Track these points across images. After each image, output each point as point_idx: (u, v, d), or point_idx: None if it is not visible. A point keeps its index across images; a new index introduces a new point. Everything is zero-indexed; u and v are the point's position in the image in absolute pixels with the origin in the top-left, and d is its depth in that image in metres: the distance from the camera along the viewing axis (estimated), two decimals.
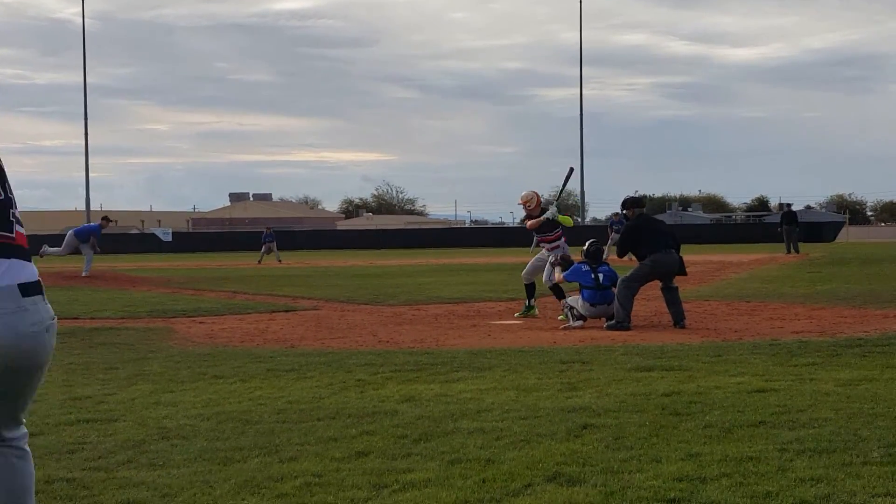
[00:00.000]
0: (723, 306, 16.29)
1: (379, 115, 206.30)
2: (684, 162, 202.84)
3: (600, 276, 13.86)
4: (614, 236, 34.39)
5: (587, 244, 14.42)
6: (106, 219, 29.54)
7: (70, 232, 29.08)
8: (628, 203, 14.28)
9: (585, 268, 14.02)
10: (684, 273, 14.01)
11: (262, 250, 43.73)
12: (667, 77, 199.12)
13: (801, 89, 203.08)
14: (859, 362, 9.52)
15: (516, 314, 15.55)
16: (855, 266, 29.18)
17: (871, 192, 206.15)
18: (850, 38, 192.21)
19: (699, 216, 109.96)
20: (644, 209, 14.46)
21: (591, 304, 13.68)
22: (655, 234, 13.81)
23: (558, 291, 14.74)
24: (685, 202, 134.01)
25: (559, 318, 14.36)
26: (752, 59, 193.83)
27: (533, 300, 15.52)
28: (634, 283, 13.59)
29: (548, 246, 15.12)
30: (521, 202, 15.34)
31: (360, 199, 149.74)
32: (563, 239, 15.14)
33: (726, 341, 11.51)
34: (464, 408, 7.54)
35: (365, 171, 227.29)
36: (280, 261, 41.74)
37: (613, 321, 13.29)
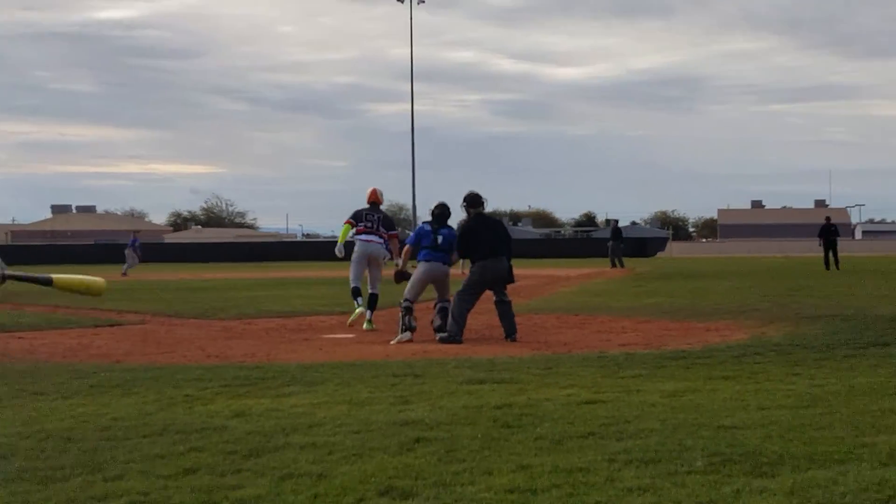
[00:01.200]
0: (552, 319, 16.54)
1: (207, 127, 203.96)
2: (514, 177, 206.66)
3: (439, 238, 14.03)
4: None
5: (434, 206, 14.48)
6: None
7: None
8: (469, 199, 13.88)
9: (428, 228, 14.18)
10: (512, 280, 13.89)
11: (133, 259, 42.11)
12: (496, 94, 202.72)
13: (626, 108, 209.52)
14: (683, 374, 9.77)
15: (365, 326, 15.57)
16: (678, 281, 30.11)
17: (693, 210, 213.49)
18: (672, 59, 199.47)
19: (529, 231, 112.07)
20: (483, 209, 14.01)
21: (426, 262, 13.91)
22: (488, 239, 13.71)
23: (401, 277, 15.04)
24: (515, 217, 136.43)
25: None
26: (579, 77, 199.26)
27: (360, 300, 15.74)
28: (469, 296, 13.61)
29: (366, 238, 16.07)
30: None
31: (189, 211, 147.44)
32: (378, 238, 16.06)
33: (556, 354, 11.68)
34: (295, 422, 7.44)
35: (193, 184, 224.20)
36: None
37: (446, 334, 13.34)
